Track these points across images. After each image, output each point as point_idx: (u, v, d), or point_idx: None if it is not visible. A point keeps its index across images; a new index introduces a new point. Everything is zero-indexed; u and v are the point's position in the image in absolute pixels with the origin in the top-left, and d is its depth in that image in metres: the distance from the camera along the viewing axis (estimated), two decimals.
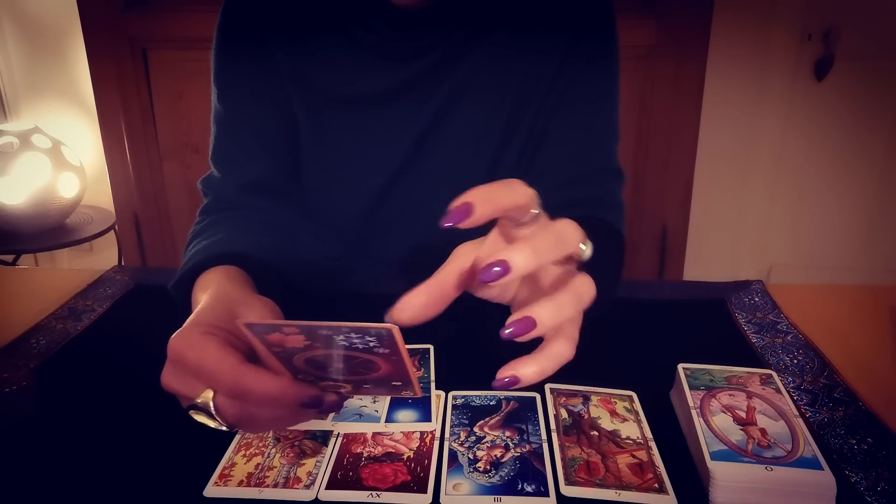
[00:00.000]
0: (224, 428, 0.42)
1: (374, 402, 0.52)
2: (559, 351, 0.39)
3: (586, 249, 0.40)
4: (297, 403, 0.40)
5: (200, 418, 0.42)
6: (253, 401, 0.40)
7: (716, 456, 0.44)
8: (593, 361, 0.59)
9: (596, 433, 0.50)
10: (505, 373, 0.39)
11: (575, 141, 0.71)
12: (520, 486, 0.44)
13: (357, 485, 0.45)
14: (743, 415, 0.48)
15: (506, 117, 0.71)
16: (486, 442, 0.49)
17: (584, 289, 0.39)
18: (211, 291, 0.48)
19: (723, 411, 0.48)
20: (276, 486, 0.45)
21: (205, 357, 0.40)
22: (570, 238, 0.39)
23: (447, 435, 0.50)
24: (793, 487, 0.42)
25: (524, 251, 0.37)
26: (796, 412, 0.48)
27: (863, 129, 1.99)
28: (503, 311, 0.64)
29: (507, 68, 0.69)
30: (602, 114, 0.72)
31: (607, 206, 0.71)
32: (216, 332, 0.42)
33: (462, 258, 0.41)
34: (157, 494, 0.45)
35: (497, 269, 0.36)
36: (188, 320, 0.43)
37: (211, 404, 0.41)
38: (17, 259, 1.91)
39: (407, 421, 0.50)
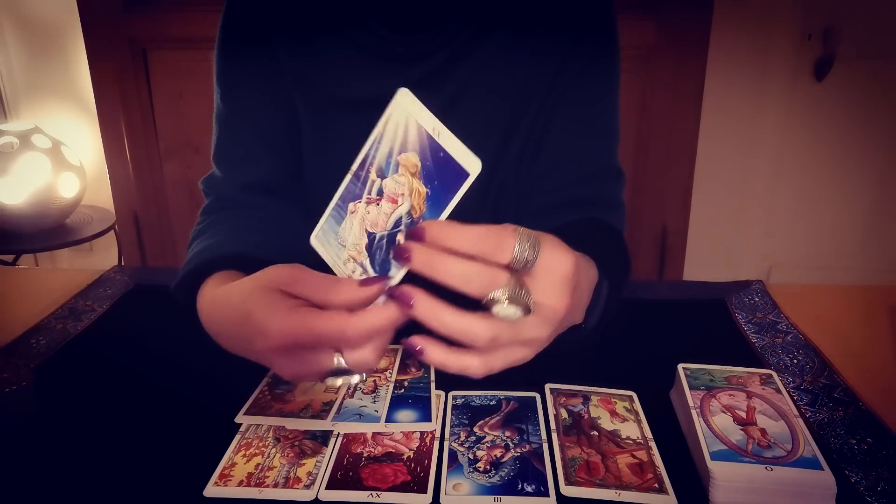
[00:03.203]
0: (359, 378, 0.47)
1: (374, 402, 0.52)
2: (466, 361, 0.42)
3: (499, 308, 0.40)
4: (409, 302, 0.41)
5: (338, 382, 0.47)
6: (380, 331, 0.42)
7: (716, 456, 0.44)
8: (593, 361, 0.59)
9: (596, 433, 0.50)
10: (418, 342, 0.42)
11: (575, 142, 0.71)
12: (520, 486, 0.44)
13: (357, 485, 0.45)
14: (743, 415, 0.48)
15: (506, 119, 0.70)
16: (486, 442, 0.49)
17: (484, 279, 0.40)
18: (222, 292, 0.49)
19: (723, 411, 0.48)
20: (276, 486, 0.45)
21: (318, 327, 0.41)
22: (475, 285, 0.40)
23: (447, 435, 0.50)
24: (793, 487, 0.42)
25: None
26: (796, 412, 0.48)
27: (863, 130, 1.99)
28: None
29: (507, 70, 0.69)
30: (602, 114, 0.72)
31: (608, 206, 0.71)
32: (295, 307, 0.42)
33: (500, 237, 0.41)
34: (157, 494, 0.45)
35: (418, 231, 0.41)
36: (258, 315, 0.43)
37: (343, 363, 0.43)
38: (17, 259, 1.91)
39: (407, 421, 0.50)
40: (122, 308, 0.72)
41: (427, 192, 0.43)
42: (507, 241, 0.41)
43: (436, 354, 0.42)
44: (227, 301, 0.49)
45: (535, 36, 0.69)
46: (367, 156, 0.45)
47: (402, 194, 0.44)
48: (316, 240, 0.50)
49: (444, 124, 0.41)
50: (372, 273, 0.45)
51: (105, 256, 2.14)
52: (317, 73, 0.69)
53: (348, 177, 0.47)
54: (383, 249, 0.45)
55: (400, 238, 0.44)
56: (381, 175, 0.45)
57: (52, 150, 1.81)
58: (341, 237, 0.48)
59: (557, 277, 0.42)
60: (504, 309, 0.40)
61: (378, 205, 0.45)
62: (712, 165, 2.00)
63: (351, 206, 0.47)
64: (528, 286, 0.41)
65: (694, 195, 1.73)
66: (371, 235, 0.46)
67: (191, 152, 1.70)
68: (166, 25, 1.60)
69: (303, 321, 0.41)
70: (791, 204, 2.11)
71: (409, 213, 0.44)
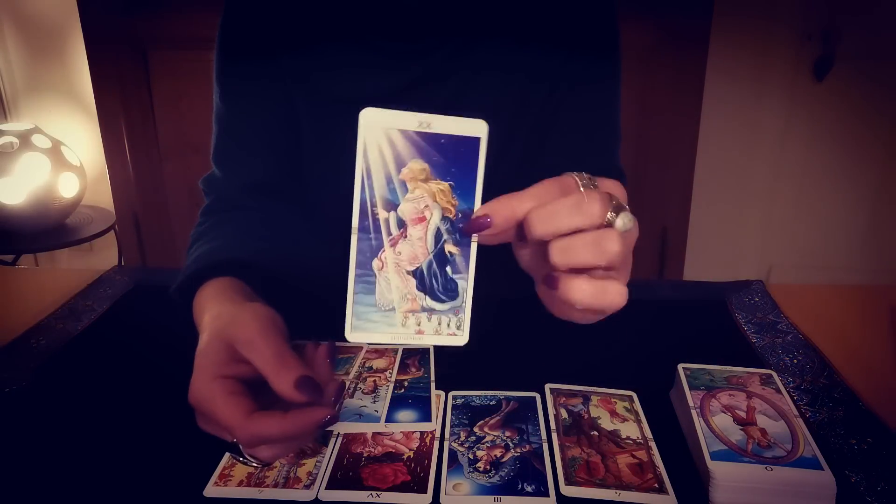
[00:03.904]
0: (255, 465, 0.45)
1: (374, 402, 0.52)
2: (607, 286, 0.39)
3: (620, 221, 0.39)
4: (313, 428, 0.42)
5: (240, 460, 0.45)
6: (272, 441, 0.42)
7: (716, 456, 0.44)
8: (593, 361, 0.59)
9: (596, 433, 0.50)
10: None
11: (577, 143, 0.71)
12: (520, 486, 0.44)
13: (357, 485, 0.45)
14: (743, 415, 0.48)
15: (507, 118, 0.70)
16: (486, 442, 0.49)
17: (591, 201, 0.38)
18: (207, 320, 0.49)
19: (723, 411, 0.48)
20: (276, 486, 0.45)
21: (216, 412, 0.42)
22: (590, 209, 0.38)
23: (447, 435, 0.50)
24: (793, 487, 0.42)
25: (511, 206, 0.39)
26: (796, 412, 0.48)
27: (863, 129, 1.99)
28: (502, 311, 0.64)
29: (508, 70, 0.69)
30: (604, 115, 0.72)
31: None
32: (221, 377, 0.43)
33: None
34: (157, 494, 0.45)
35: (480, 221, 0.39)
36: (195, 365, 0.44)
37: (240, 447, 0.44)
38: (17, 259, 1.91)
39: (407, 421, 0.50)
40: (122, 308, 0.72)
41: (450, 184, 0.40)
42: (565, 181, 0.40)
43: (582, 284, 0.39)
44: (200, 319, 0.51)
45: (537, 37, 0.69)
46: (362, 201, 0.40)
47: (426, 206, 0.41)
48: (356, 332, 0.42)
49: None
50: (439, 308, 0.42)
51: (105, 256, 2.14)
52: (316, 71, 0.69)
53: (354, 239, 0.41)
54: (438, 274, 0.42)
55: (450, 248, 0.41)
56: (391, 207, 0.41)
57: (52, 150, 1.81)
58: (382, 303, 0.42)
59: (621, 194, 0.42)
60: (622, 219, 0.38)
61: (405, 237, 0.41)
62: (712, 165, 2.00)
63: (375, 263, 0.41)
64: None
65: (694, 195, 1.73)
66: (417, 272, 0.41)
67: (191, 152, 1.70)
68: (166, 25, 1.60)
69: (208, 397, 0.42)
70: (791, 204, 2.11)
71: (444, 218, 0.41)
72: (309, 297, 0.61)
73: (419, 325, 0.42)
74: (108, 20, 1.60)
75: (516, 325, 0.63)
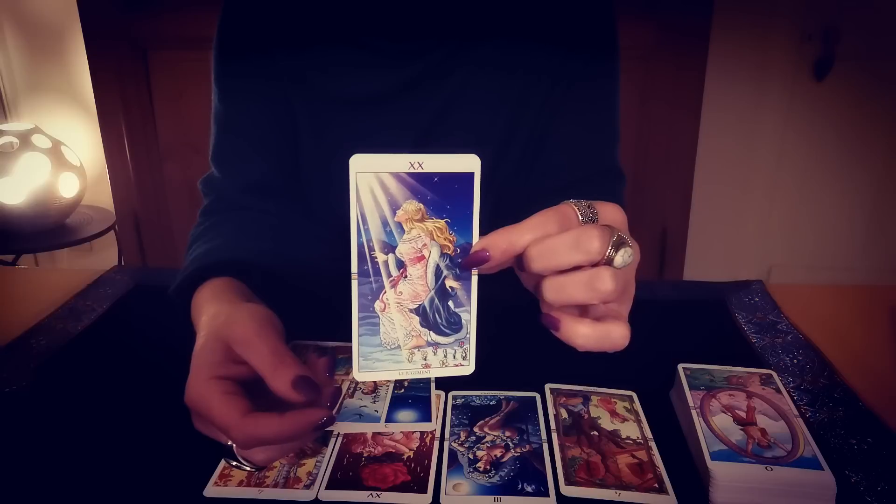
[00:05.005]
0: (249, 468, 0.44)
1: (374, 402, 0.52)
2: (609, 328, 0.39)
3: (619, 258, 0.38)
4: (310, 429, 0.41)
5: (234, 465, 0.44)
6: (269, 442, 0.42)
7: (716, 456, 0.44)
8: (593, 361, 0.59)
9: (596, 433, 0.50)
10: (556, 316, 0.40)
11: (576, 142, 0.71)
12: (520, 486, 0.44)
13: (357, 485, 0.45)
14: (743, 415, 0.48)
15: (506, 118, 0.70)
16: (486, 442, 0.49)
17: (590, 238, 0.38)
18: (204, 320, 0.48)
19: (723, 411, 0.48)
20: (276, 486, 0.45)
21: (212, 413, 0.41)
22: (589, 246, 0.38)
23: (447, 435, 0.50)
24: (793, 487, 0.42)
25: (508, 239, 0.39)
26: (796, 412, 0.48)
27: (863, 129, 1.99)
28: (502, 312, 0.64)
29: (507, 69, 0.69)
30: (603, 115, 0.72)
31: None
32: (217, 378, 0.43)
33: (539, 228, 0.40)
34: (157, 494, 0.45)
35: (479, 255, 0.40)
36: (192, 366, 0.44)
37: (234, 449, 0.43)
38: (17, 259, 1.91)
39: (407, 421, 0.50)
40: (122, 308, 0.72)
41: (447, 221, 0.40)
42: (565, 212, 0.40)
43: (584, 329, 0.39)
44: (197, 319, 0.51)
45: (535, 37, 0.69)
46: (359, 245, 0.40)
47: (424, 245, 0.41)
48: (363, 372, 0.43)
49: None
50: (444, 342, 0.43)
51: (105, 256, 2.14)
52: (314, 71, 0.69)
53: (354, 284, 0.41)
54: (441, 309, 0.42)
55: (451, 283, 0.42)
56: (389, 249, 0.41)
57: (52, 150, 1.81)
58: (388, 342, 0.43)
59: (621, 221, 0.42)
60: (621, 255, 0.38)
61: (406, 277, 0.41)
62: (712, 165, 2.00)
63: (377, 305, 0.42)
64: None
65: (694, 195, 1.74)
66: (420, 309, 0.42)
67: (191, 152, 1.70)
68: (166, 25, 1.60)
69: (204, 398, 0.42)
70: (791, 204, 2.11)
71: (443, 255, 0.41)
72: (309, 297, 0.61)
73: (425, 359, 0.43)
74: (108, 20, 1.60)
75: (516, 325, 0.63)
